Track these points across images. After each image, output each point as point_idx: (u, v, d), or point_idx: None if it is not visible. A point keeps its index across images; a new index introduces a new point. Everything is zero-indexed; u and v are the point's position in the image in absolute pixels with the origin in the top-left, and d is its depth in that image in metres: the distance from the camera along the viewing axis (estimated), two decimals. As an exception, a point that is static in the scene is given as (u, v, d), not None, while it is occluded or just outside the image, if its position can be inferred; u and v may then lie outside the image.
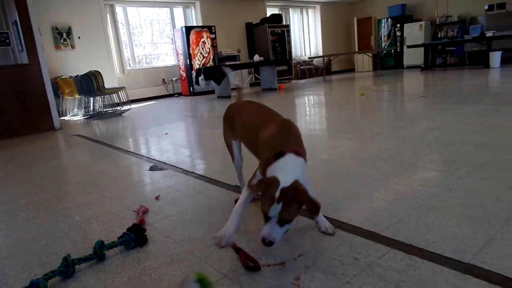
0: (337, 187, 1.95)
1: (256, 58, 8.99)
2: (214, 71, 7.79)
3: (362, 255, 1.27)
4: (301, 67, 12.24)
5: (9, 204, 2.25)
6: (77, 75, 7.04)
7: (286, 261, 1.29)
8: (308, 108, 5.23)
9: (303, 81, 11.31)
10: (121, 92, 7.35)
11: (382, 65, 12.08)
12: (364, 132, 3.23)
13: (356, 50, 13.23)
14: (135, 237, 1.50)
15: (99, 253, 1.41)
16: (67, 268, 1.33)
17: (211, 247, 1.44)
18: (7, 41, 5.42)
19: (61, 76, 7.57)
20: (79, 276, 1.34)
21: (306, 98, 6.40)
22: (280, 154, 1.27)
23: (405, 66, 11.72)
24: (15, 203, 2.24)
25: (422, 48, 10.11)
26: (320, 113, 4.64)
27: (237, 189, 2.08)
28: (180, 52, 9.70)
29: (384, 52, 12.19)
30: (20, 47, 5.51)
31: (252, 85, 11.13)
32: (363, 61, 12.69)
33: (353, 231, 1.45)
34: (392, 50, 11.91)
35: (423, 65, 10.27)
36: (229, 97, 7.99)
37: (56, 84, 7.16)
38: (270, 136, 1.37)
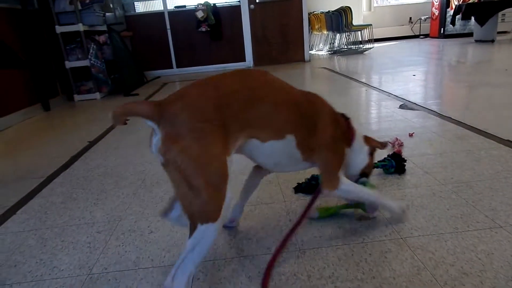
0: None
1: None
2: (479, 8, 6.52)
3: None
4: None
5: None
6: (329, 10, 7.39)
7: None
8: None
9: None
10: (367, 29, 7.29)
11: None
12: None
13: None
14: (396, 164, 1.57)
15: (362, 169, 1.56)
16: (337, 174, 1.54)
17: (481, 195, 1.34)
18: (277, -22, 6.14)
19: (314, 12, 8.14)
20: (345, 184, 1.54)
21: None
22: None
23: None
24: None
25: None
26: None
27: (509, 143, 1.80)
28: (437, -14, 8.53)
29: None
30: (286, -16, 6.17)
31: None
32: None
33: None
34: None
35: None
36: (492, 41, 6.62)
37: (309, 20, 7.79)
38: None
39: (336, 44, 7.67)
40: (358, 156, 1.22)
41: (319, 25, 7.82)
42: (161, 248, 1.19)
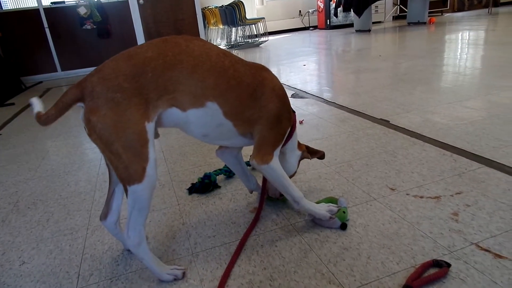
0: (506, 131, 1.70)
1: (406, -14, 7.89)
2: (356, 1, 7.21)
3: (539, 205, 1.12)
4: (460, -2, 10.31)
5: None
6: (222, 5, 7.42)
7: (441, 196, 1.23)
8: (463, 46, 4.49)
9: (460, 14, 9.61)
10: (260, 23, 7.52)
11: None
12: (546, 75, 2.65)
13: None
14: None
15: (255, 161, 1.58)
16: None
17: (359, 172, 1.47)
18: (167, -28, 5.93)
19: (208, 6, 8.10)
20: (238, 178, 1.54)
21: (462, 34, 5.48)
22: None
23: None
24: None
25: None
26: (477, 52, 3.94)
27: (383, 122, 2.01)
28: (320, -19, 9.18)
29: None
30: (176, -22, 5.99)
31: (396, 18, 10.01)
32: (550, -12, 9.93)
33: (526, 179, 1.28)
34: None
35: None
36: (369, 31, 7.40)
37: (204, 15, 7.72)
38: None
39: (233, 38, 7.76)
40: (291, 158, 1.23)
41: (214, 19, 7.81)
42: (35, 280, 1.04)
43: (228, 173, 1.54)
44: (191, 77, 0.92)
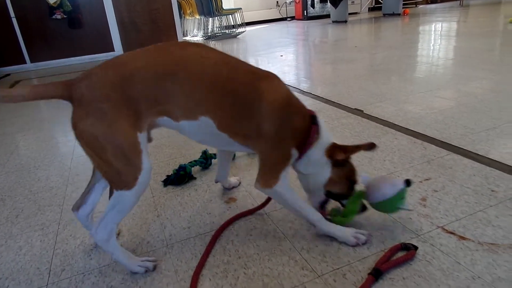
0: (473, 119, 1.76)
1: (381, -23, 7.99)
2: (332, -8, 7.25)
3: (501, 189, 1.18)
4: (433, -11, 10.54)
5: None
6: (198, -5, 7.30)
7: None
8: (436, 37, 4.60)
9: (433, 6, 9.84)
10: (238, 13, 7.45)
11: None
12: (507, 65, 2.75)
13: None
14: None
15: (231, 152, 1.58)
16: (206, 160, 1.54)
17: (333, 160, 1.49)
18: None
19: (184, -4, 7.94)
20: (215, 169, 1.54)
21: (435, 26, 5.61)
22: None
23: None
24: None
25: None
26: (450, 43, 4.05)
27: (357, 112, 2.05)
28: (297, -29, 9.16)
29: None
30: (151, -33, 5.85)
31: (371, 9, 10.13)
32: (517, -19, 10.27)
33: (490, 165, 1.33)
34: None
35: None
36: (345, 22, 7.46)
37: (179, 5, 7.58)
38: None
39: (210, 29, 7.66)
40: (316, 169, 1.03)
41: (190, 9, 7.68)
42: (3, 278, 1.01)
43: (204, 164, 1.53)
44: (183, 89, 0.88)
